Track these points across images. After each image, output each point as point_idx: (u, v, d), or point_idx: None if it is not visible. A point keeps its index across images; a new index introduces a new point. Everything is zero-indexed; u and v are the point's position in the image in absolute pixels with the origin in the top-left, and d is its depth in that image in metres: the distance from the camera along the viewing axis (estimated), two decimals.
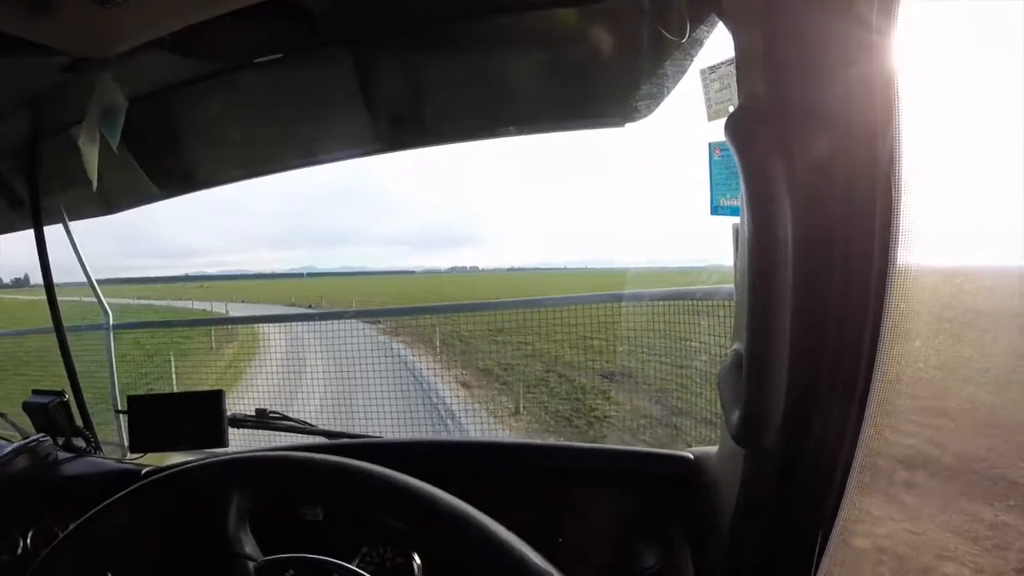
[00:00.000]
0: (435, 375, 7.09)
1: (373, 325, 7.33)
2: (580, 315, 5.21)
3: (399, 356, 7.39)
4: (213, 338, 8.37)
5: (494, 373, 7.42)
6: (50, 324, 1.71)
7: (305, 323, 7.07)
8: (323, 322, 6.03)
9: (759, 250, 0.68)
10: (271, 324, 8.76)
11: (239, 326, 9.93)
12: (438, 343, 8.13)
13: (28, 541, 1.30)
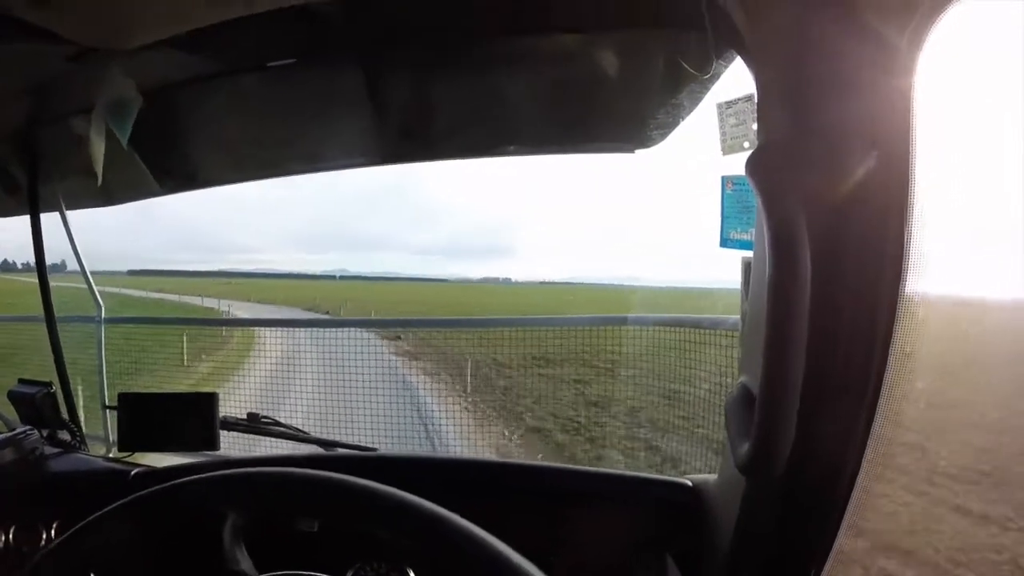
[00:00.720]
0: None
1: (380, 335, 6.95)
2: (582, 337, 5.13)
3: (397, 365, 6.99)
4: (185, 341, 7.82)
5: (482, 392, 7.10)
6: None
7: (304, 329, 6.67)
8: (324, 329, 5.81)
9: (778, 286, 0.69)
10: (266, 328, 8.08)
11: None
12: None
13: (10, 537, 1.27)
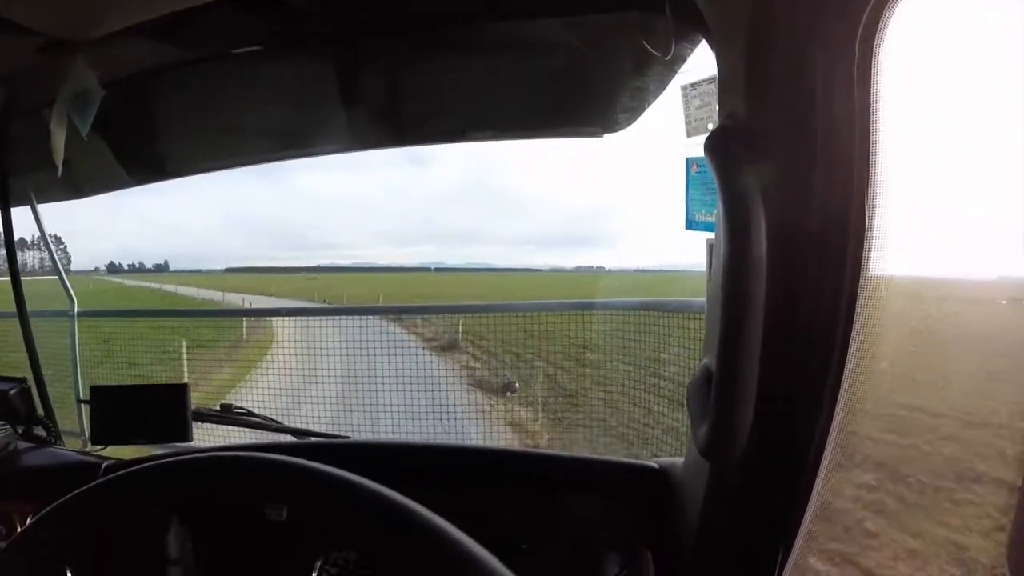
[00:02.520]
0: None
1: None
2: (549, 322, 5.10)
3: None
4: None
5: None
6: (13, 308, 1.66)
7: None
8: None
9: (733, 267, 0.69)
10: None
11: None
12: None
13: None
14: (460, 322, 6.96)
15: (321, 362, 5.11)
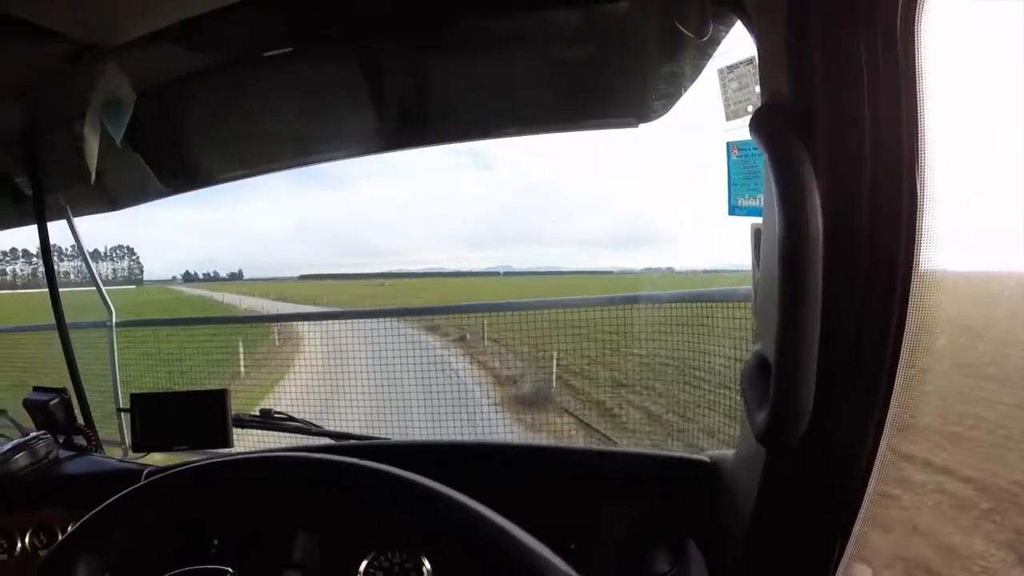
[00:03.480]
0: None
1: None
2: (595, 317, 4.98)
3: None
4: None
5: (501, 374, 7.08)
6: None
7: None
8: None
9: (789, 246, 0.67)
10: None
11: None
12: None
13: (27, 540, 1.28)
14: (484, 321, 6.95)
15: (356, 365, 5.11)
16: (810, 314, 0.68)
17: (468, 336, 7.86)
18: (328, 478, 0.95)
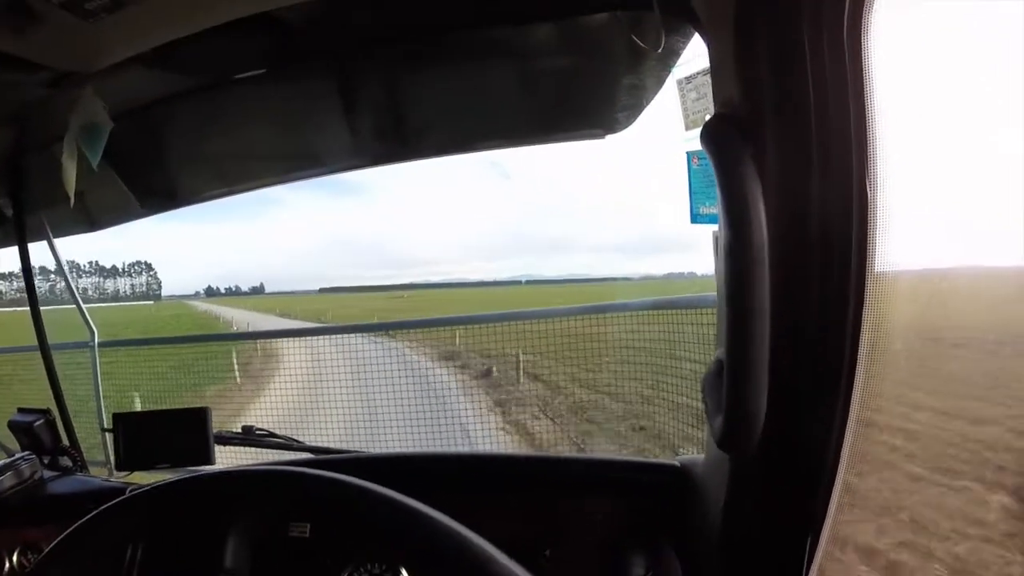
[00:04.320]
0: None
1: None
2: (565, 327, 5.03)
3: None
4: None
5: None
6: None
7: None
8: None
9: (736, 255, 0.69)
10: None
11: None
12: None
13: (14, 559, 1.29)
14: (457, 333, 6.98)
15: (332, 380, 5.15)
16: (758, 319, 0.69)
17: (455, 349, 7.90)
18: (309, 492, 0.96)
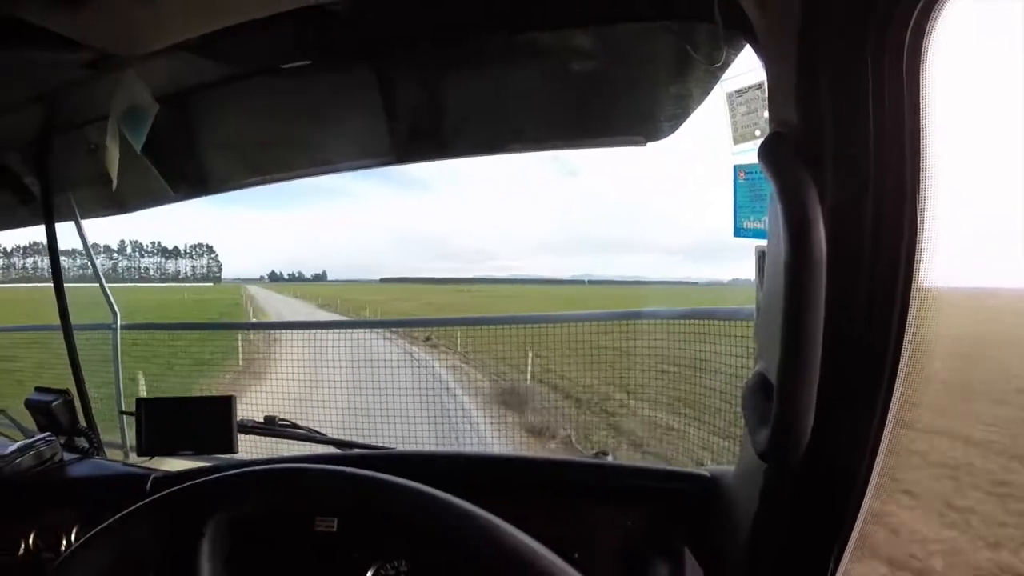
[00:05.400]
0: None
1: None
2: (597, 331, 5.00)
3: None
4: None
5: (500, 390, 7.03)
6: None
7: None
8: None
9: (794, 272, 0.70)
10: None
11: None
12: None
13: (30, 542, 1.28)
14: (458, 335, 6.97)
15: (358, 374, 5.15)
16: (812, 337, 0.70)
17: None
18: (336, 490, 0.96)
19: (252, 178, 1.72)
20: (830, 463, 0.81)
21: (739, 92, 0.98)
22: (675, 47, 1.14)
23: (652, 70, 1.28)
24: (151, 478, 1.32)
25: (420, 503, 0.87)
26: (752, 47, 0.89)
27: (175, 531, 0.94)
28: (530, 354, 6.11)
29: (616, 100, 1.38)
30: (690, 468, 1.18)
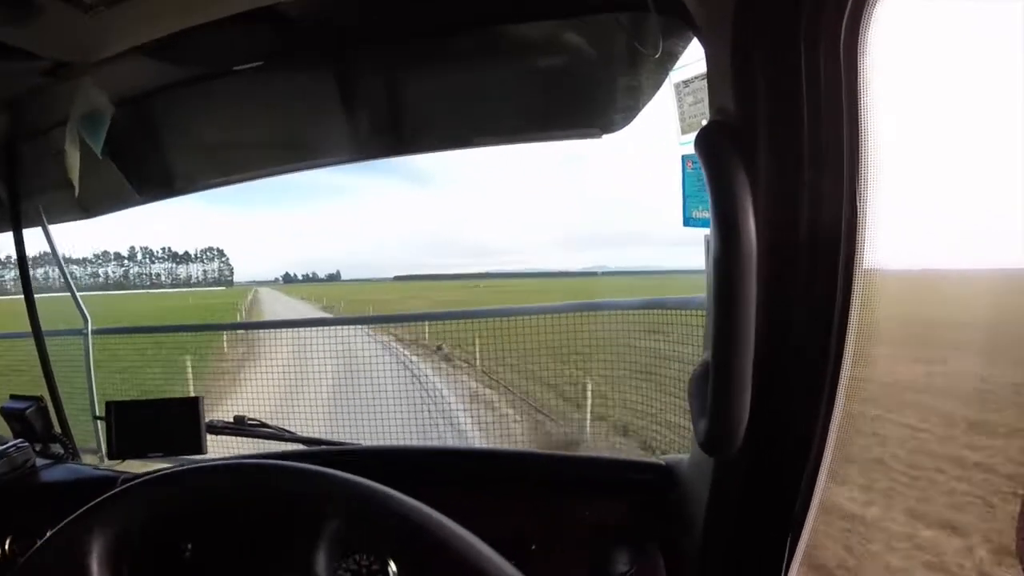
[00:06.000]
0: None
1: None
2: (553, 324, 4.99)
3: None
4: None
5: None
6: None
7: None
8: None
9: (725, 261, 0.70)
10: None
11: None
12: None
13: (6, 547, 1.29)
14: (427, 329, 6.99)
15: (326, 370, 5.18)
16: (744, 325, 0.70)
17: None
18: (296, 486, 0.97)
19: (216, 179, 1.72)
20: (776, 448, 0.82)
21: (686, 83, 0.99)
22: (622, 40, 1.15)
23: (604, 63, 1.28)
24: (120, 479, 1.33)
25: (364, 499, 0.88)
26: (695, 35, 0.90)
27: (139, 523, 0.95)
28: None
29: (570, 94, 1.38)
30: (646, 457, 1.19)
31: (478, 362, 7.10)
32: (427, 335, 8.50)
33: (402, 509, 0.89)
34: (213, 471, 1.00)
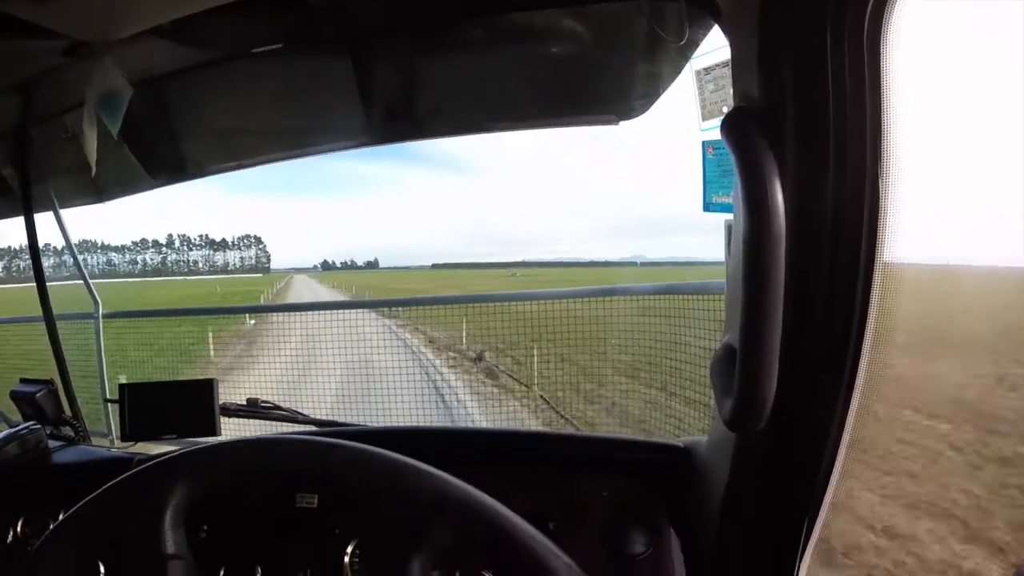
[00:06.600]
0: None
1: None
2: (573, 309, 5.06)
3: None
4: None
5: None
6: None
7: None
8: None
9: (754, 244, 0.71)
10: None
11: None
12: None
13: (18, 529, 1.29)
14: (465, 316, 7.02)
15: (339, 354, 5.18)
16: (772, 306, 0.71)
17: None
18: (314, 459, 0.98)
19: (230, 163, 1.72)
20: (797, 430, 0.83)
21: (707, 70, 1.00)
22: (645, 27, 1.15)
23: (622, 50, 1.29)
24: (134, 461, 1.33)
25: (392, 470, 0.89)
26: (717, 23, 0.90)
27: (153, 505, 0.96)
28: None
29: (588, 80, 1.39)
30: (664, 439, 1.20)
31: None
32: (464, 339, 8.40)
33: (424, 478, 0.90)
34: (232, 449, 1.01)
